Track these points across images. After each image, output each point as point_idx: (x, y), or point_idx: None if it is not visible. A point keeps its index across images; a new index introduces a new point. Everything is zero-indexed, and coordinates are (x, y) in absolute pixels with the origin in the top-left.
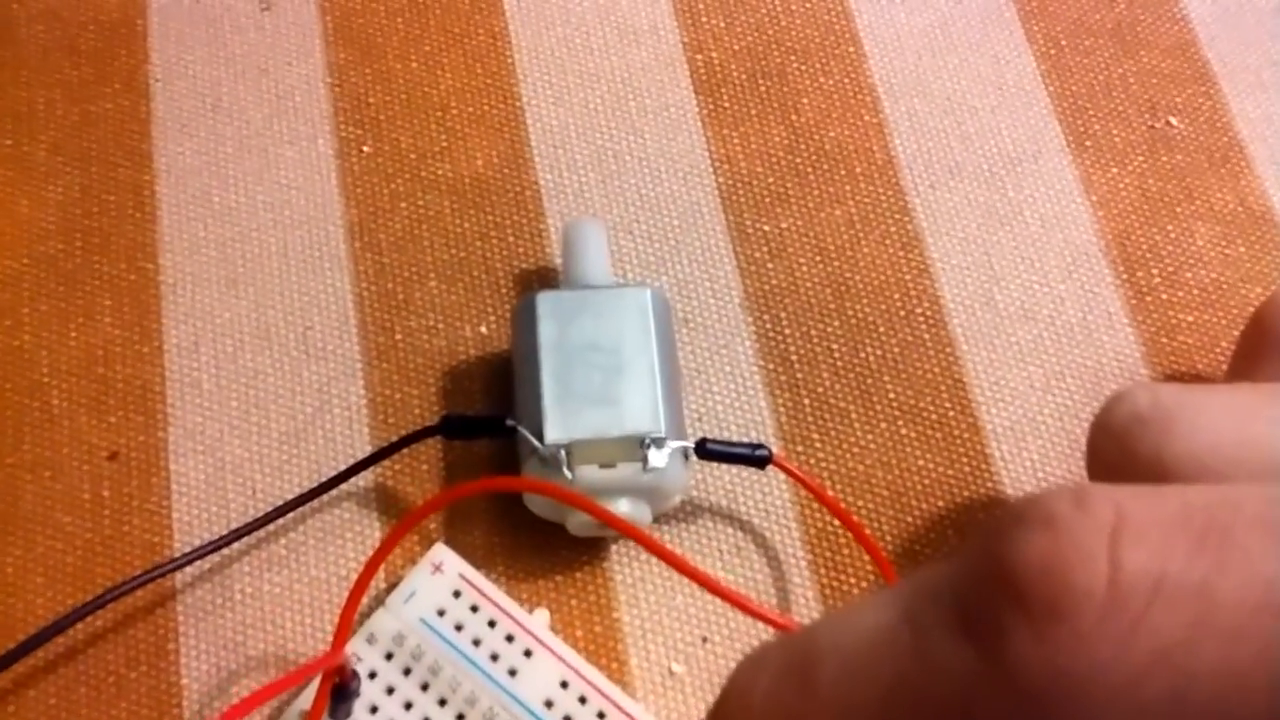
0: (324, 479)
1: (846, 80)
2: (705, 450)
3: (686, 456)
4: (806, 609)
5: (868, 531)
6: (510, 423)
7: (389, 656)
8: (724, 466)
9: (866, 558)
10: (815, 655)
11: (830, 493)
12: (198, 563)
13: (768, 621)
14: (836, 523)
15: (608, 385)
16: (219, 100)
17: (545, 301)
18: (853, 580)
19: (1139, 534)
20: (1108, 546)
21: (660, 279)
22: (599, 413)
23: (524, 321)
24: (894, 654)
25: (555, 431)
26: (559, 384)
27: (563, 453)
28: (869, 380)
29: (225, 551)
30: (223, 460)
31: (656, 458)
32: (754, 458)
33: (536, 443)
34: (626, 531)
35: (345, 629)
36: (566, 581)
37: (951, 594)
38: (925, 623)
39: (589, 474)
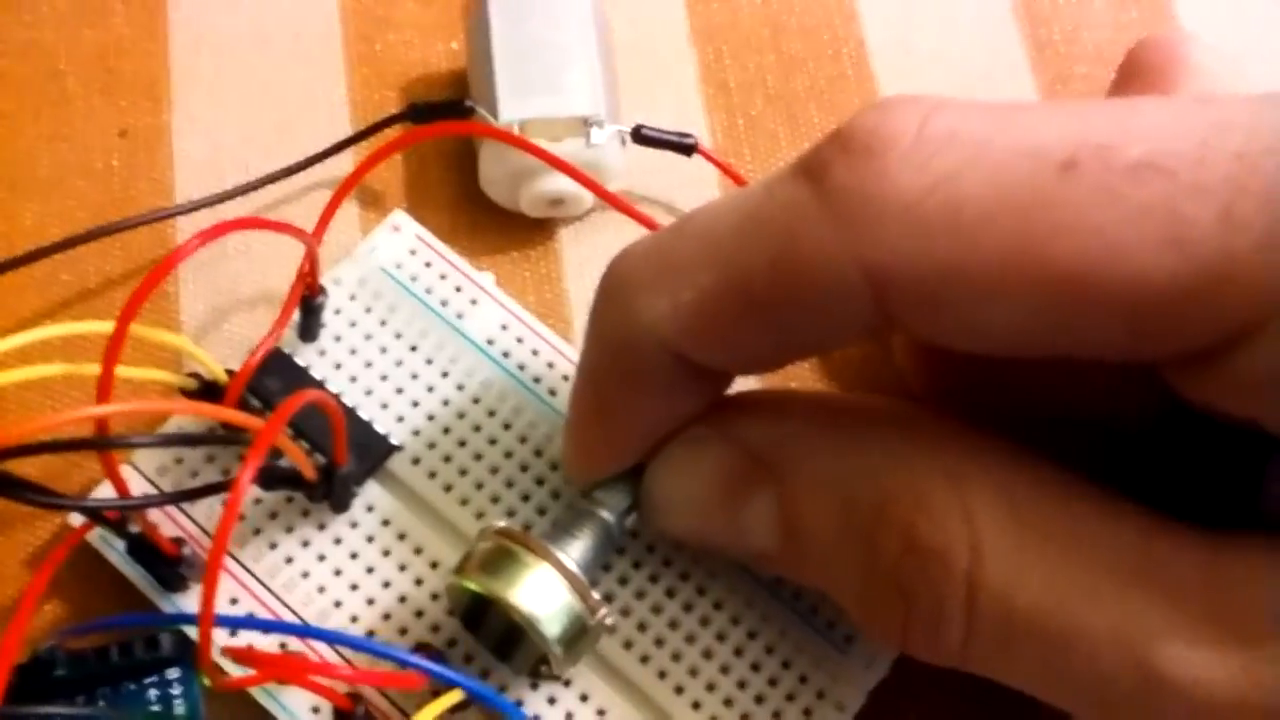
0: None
1: None
2: (640, 135)
3: (624, 142)
4: None
5: None
6: (469, 103)
7: (352, 297)
8: (655, 157)
9: None
10: (688, 218)
11: None
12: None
13: None
14: None
15: (554, 75)
16: None
17: (496, 4)
18: None
19: (949, 108)
20: (922, 114)
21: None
22: (547, 98)
23: (478, 19)
24: (747, 200)
25: (509, 111)
26: (511, 72)
27: (516, 128)
28: (796, 108)
29: (218, 212)
30: (220, 142)
31: (598, 135)
32: (682, 145)
33: (492, 120)
34: (583, 180)
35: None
36: (520, 257)
37: (799, 159)
38: (776, 179)
39: (540, 145)
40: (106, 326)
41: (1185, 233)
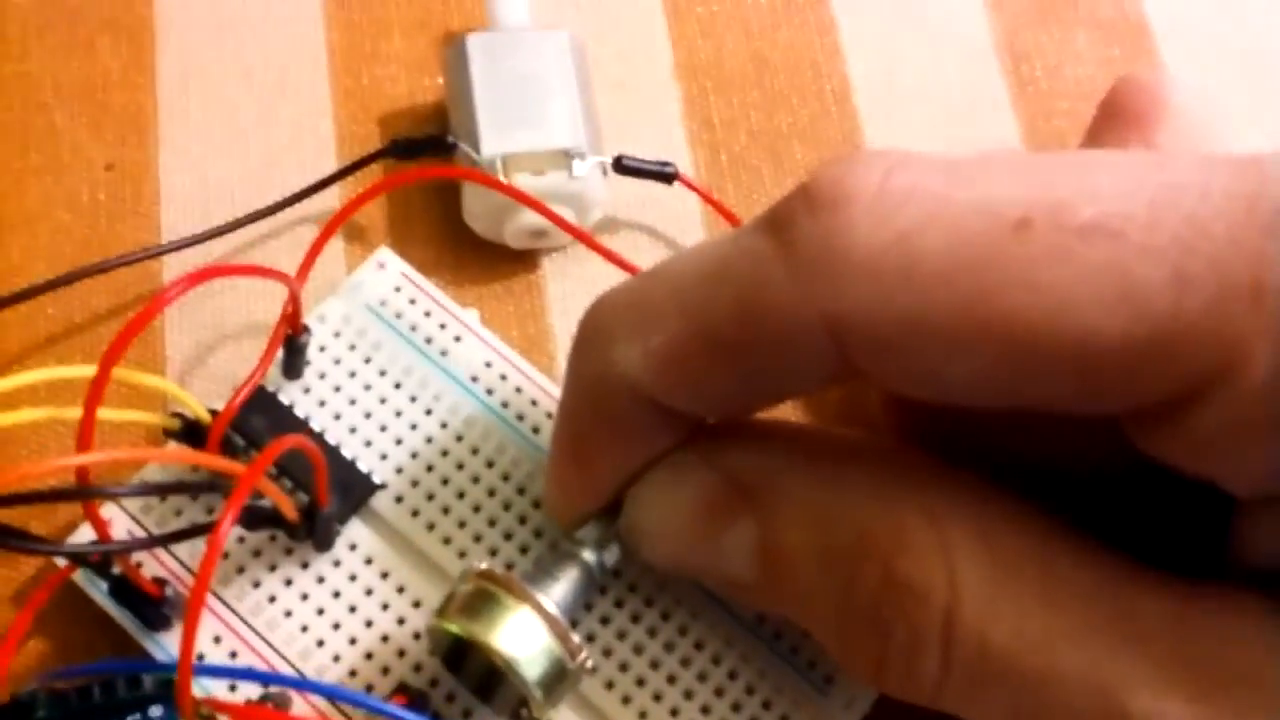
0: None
1: None
2: (621, 165)
3: (605, 173)
4: None
5: None
6: (451, 139)
7: (337, 334)
8: (639, 187)
9: None
10: (661, 265)
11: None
12: (184, 254)
13: None
14: None
15: (535, 108)
16: None
17: (475, 41)
18: None
19: (911, 164)
20: (885, 169)
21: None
22: (528, 131)
23: (456, 55)
24: (716, 249)
25: (491, 146)
26: (492, 107)
27: (499, 162)
28: (779, 144)
29: (206, 248)
30: (207, 176)
31: (580, 168)
32: (663, 173)
33: (475, 155)
34: (561, 224)
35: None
36: (504, 291)
37: (768, 211)
38: (743, 230)
39: (522, 181)
40: (90, 371)
41: (1136, 292)
